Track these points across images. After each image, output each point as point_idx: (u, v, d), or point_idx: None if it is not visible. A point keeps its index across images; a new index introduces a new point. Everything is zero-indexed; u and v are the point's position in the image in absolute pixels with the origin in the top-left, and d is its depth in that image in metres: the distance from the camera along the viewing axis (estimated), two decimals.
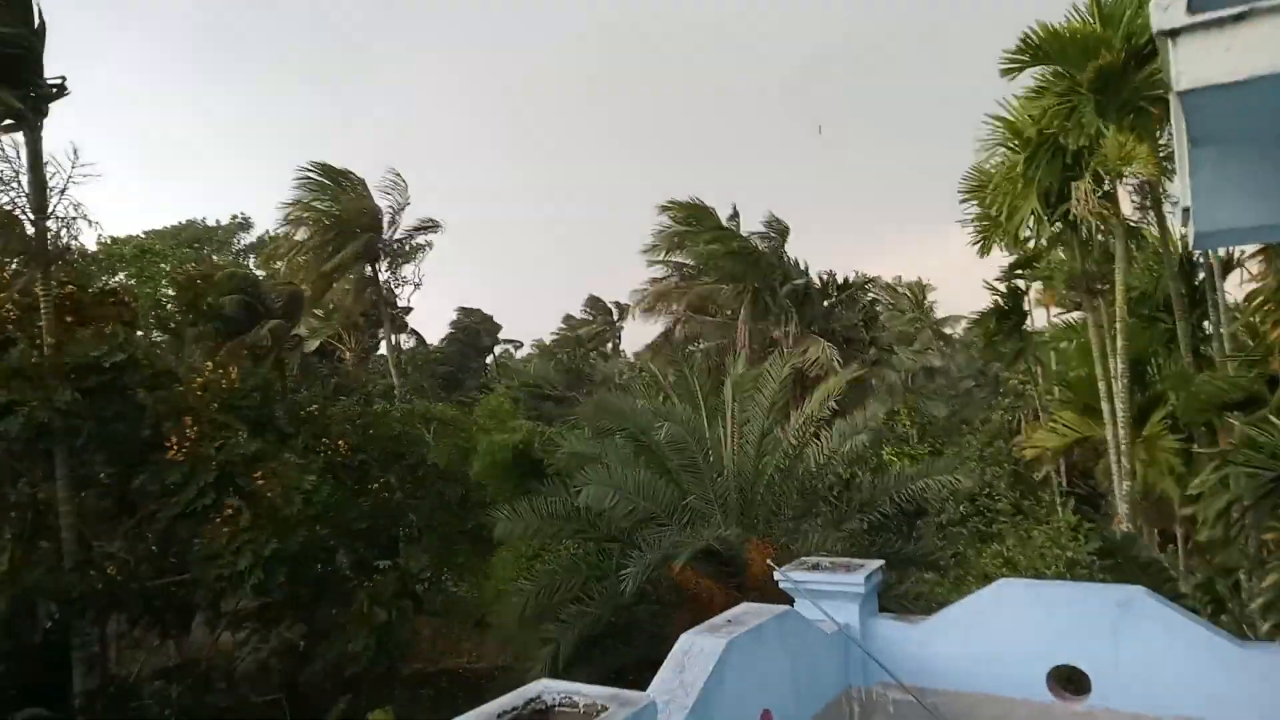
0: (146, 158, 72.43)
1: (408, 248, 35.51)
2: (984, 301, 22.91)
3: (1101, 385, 15.76)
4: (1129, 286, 14.64)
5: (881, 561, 6.88)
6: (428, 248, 34.95)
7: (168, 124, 76.42)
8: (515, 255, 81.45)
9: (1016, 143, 14.03)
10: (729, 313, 32.79)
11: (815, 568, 6.87)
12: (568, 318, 44.67)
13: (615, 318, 46.03)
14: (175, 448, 16.06)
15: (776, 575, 6.87)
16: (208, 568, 15.48)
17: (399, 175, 33.91)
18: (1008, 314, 22.24)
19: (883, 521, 14.03)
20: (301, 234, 33.67)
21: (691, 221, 32.61)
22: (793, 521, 14.71)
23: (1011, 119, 14.23)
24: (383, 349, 36.08)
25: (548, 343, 42.76)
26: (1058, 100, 12.97)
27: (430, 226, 34.97)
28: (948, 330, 41.15)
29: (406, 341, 36.96)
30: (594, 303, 45.86)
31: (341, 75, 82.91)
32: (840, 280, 32.78)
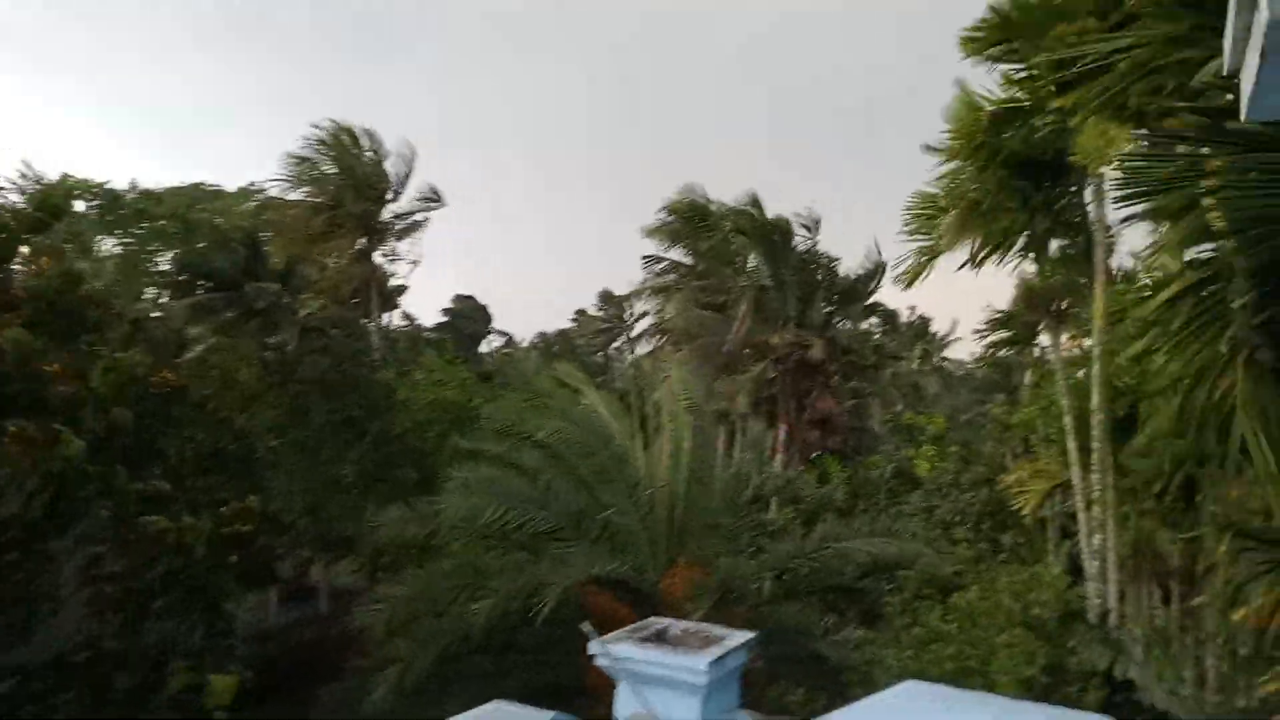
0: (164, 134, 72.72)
1: (408, 222, 34.49)
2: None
3: (1068, 420, 13.95)
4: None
5: (751, 635, 4.95)
6: (427, 223, 33.85)
7: (184, 96, 76.58)
8: (522, 247, 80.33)
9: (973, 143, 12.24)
10: (728, 313, 31.27)
11: (657, 637, 4.84)
12: (580, 313, 43.40)
13: (629, 314, 44.66)
14: None
15: (592, 648, 4.74)
16: None
17: (408, 144, 32.77)
18: (1011, 338, 20.45)
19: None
20: (299, 195, 32.79)
21: (694, 218, 31.32)
22: (729, 546, 13.21)
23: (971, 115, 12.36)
24: (380, 324, 35.31)
25: (552, 337, 41.64)
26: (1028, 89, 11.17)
27: (433, 200, 33.87)
28: (952, 357, 39.21)
29: (398, 321, 36.09)
30: (607, 298, 44.52)
31: (367, 56, 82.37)
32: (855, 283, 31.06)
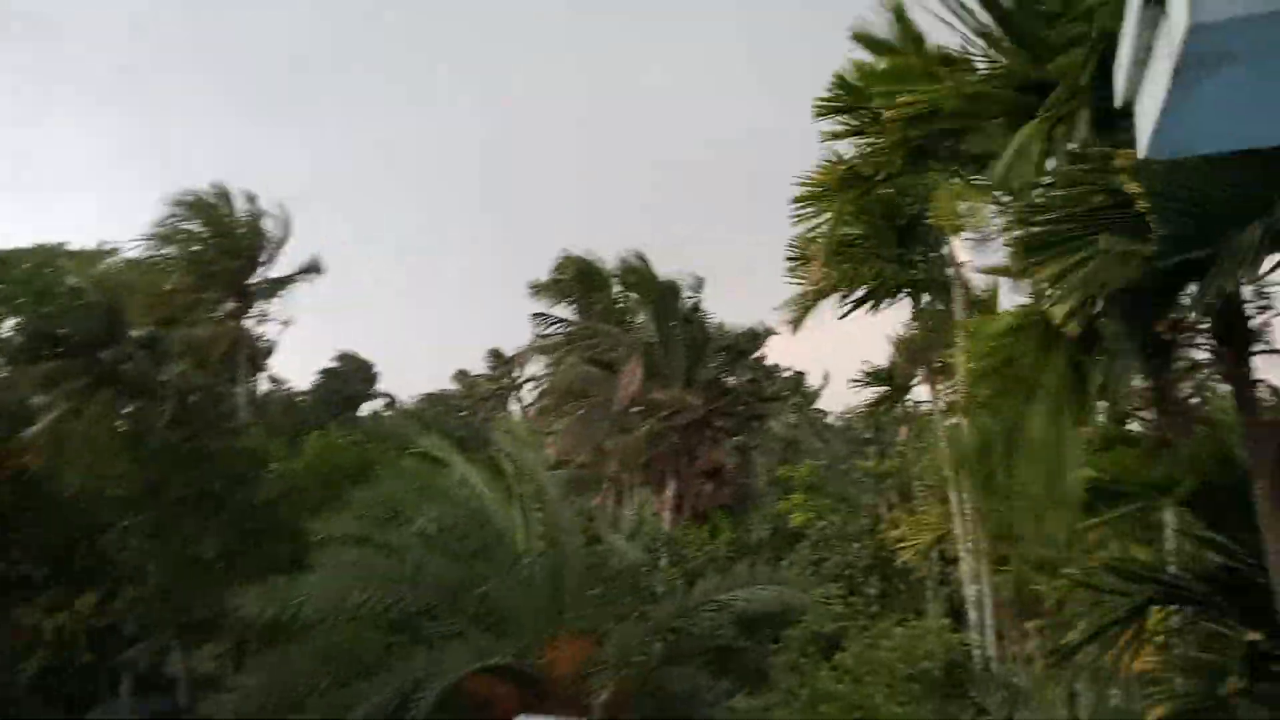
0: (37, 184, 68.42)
1: (281, 284, 33.16)
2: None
3: (948, 471, 14.28)
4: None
5: None
6: (302, 283, 32.62)
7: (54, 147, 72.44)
8: (409, 305, 78.14)
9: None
10: (617, 371, 31.17)
11: None
12: (461, 374, 42.36)
13: (511, 375, 43.96)
14: None
15: None
16: None
17: (282, 205, 31.66)
18: (889, 391, 20.93)
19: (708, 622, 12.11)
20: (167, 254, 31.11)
21: (584, 276, 31.31)
22: (614, 612, 12.74)
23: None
24: (248, 388, 33.47)
25: (423, 400, 40.39)
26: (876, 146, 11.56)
27: (311, 270, 32.74)
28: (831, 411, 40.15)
29: (267, 385, 34.38)
30: (495, 356, 43.73)
31: (246, 111, 79.95)
32: (738, 338, 31.52)
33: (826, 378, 37.43)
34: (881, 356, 20.57)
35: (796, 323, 14.65)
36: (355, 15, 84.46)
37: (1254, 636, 7.76)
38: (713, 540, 24.00)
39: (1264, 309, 6.23)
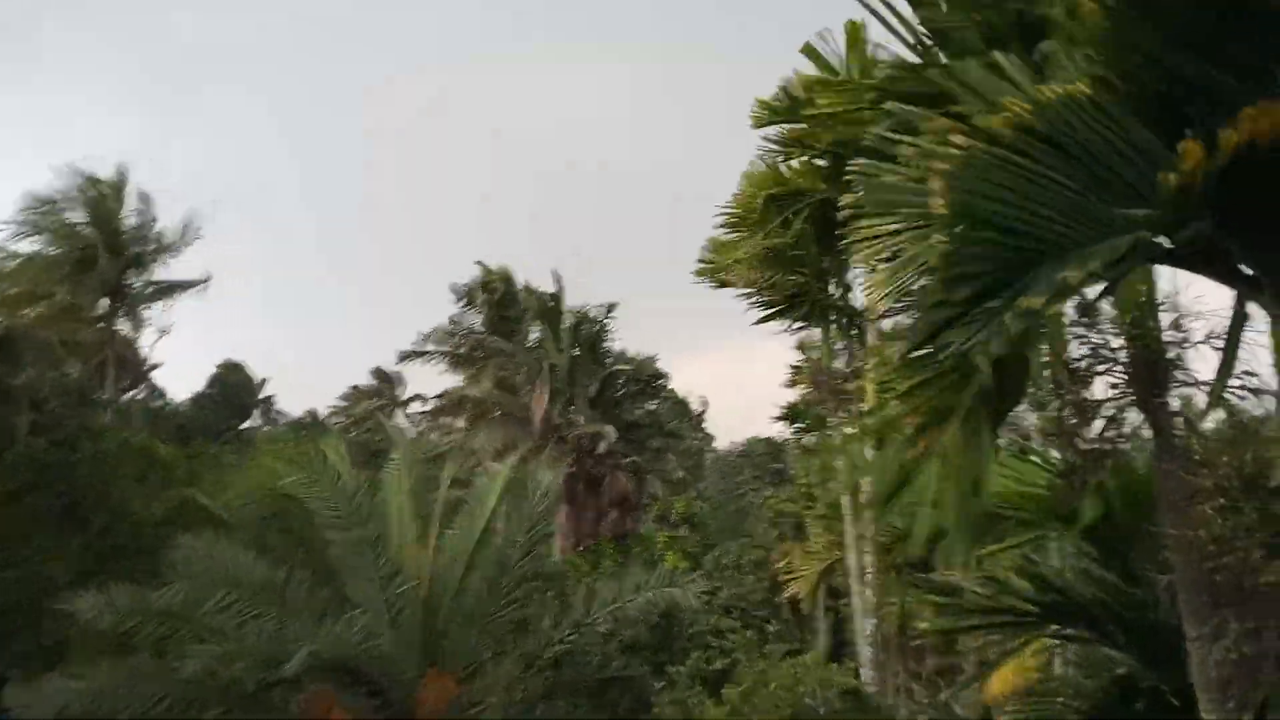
0: None
1: (169, 290, 31.26)
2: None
3: (846, 500, 14.23)
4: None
5: None
6: (190, 289, 30.84)
7: None
8: (307, 316, 75.12)
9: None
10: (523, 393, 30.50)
11: None
12: (354, 389, 40.84)
13: (402, 389, 42.69)
14: None
15: None
16: None
17: (146, 198, 29.75)
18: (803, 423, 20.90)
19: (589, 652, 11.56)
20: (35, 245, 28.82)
21: (494, 297, 30.67)
22: (494, 642, 12.02)
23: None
24: (126, 396, 31.30)
25: (326, 410, 38.79)
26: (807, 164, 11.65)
27: (200, 280, 31.01)
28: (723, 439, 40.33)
29: (144, 394, 32.26)
30: (379, 374, 42.26)
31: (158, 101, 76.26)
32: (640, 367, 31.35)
33: (705, 402, 37.62)
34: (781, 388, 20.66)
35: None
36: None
37: (1130, 664, 7.81)
38: (594, 570, 23.65)
39: (1182, 340, 6.22)
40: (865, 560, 13.62)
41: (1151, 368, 6.41)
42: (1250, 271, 4.55)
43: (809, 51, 10.14)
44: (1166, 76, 4.24)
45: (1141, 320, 6.39)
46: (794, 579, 16.24)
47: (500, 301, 30.89)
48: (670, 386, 33.19)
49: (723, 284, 14.03)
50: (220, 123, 78.91)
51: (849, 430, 16.62)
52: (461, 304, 30.91)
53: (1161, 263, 5.20)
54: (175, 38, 75.88)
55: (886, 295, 4.84)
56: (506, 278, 31.02)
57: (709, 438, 38.80)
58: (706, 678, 13.04)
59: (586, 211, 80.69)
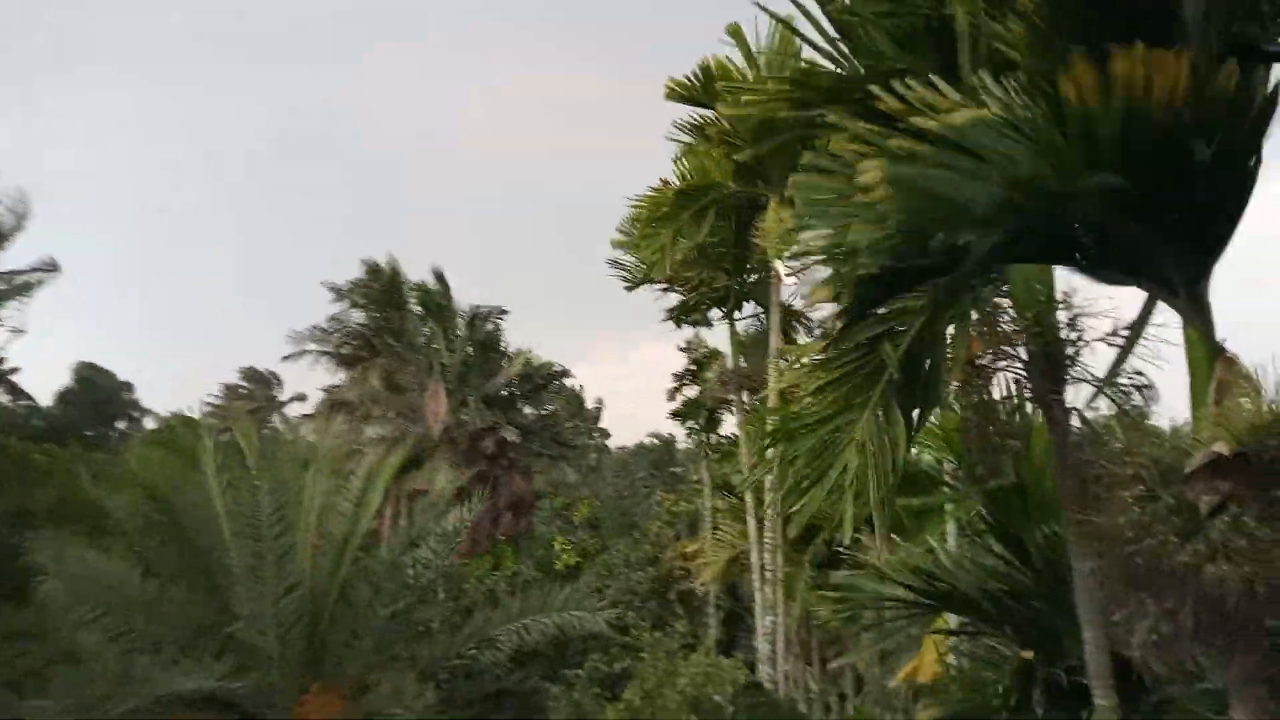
0: None
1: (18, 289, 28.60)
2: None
3: (750, 498, 14.28)
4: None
5: None
6: (39, 287, 28.29)
7: None
8: (177, 314, 71.11)
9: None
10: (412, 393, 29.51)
11: None
12: (228, 389, 38.68)
13: (278, 391, 40.73)
14: None
15: None
16: None
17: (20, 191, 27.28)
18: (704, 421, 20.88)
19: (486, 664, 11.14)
20: None
21: (381, 292, 29.49)
22: (385, 654, 11.43)
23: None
24: None
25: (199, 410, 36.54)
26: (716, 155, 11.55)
27: (48, 268, 28.43)
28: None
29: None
30: (252, 374, 40.12)
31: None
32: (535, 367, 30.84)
33: (601, 402, 37.52)
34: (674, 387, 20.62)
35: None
36: None
37: (1027, 655, 8.00)
38: (494, 572, 23.20)
39: (1078, 337, 6.39)
40: (766, 557, 13.67)
41: (1050, 364, 6.58)
42: (1165, 275, 4.69)
43: (734, 33, 10.01)
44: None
45: (1041, 318, 6.55)
46: (703, 564, 16.19)
47: (384, 299, 29.78)
48: (569, 385, 32.88)
49: (639, 283, 13.85)
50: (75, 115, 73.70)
51: (761, 425, 16.73)
52: (341, 302, 29.62)
53: (1078, 268, 5.33)
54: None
55: (808, 288, 4.78)
56: (392, 274, 29.95)
57: (605, 434, 38.66)
58: (605, 679, 12.79)
59: (467, 206, 79.35)
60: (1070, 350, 6.54)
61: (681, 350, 18.55)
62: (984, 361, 6.50)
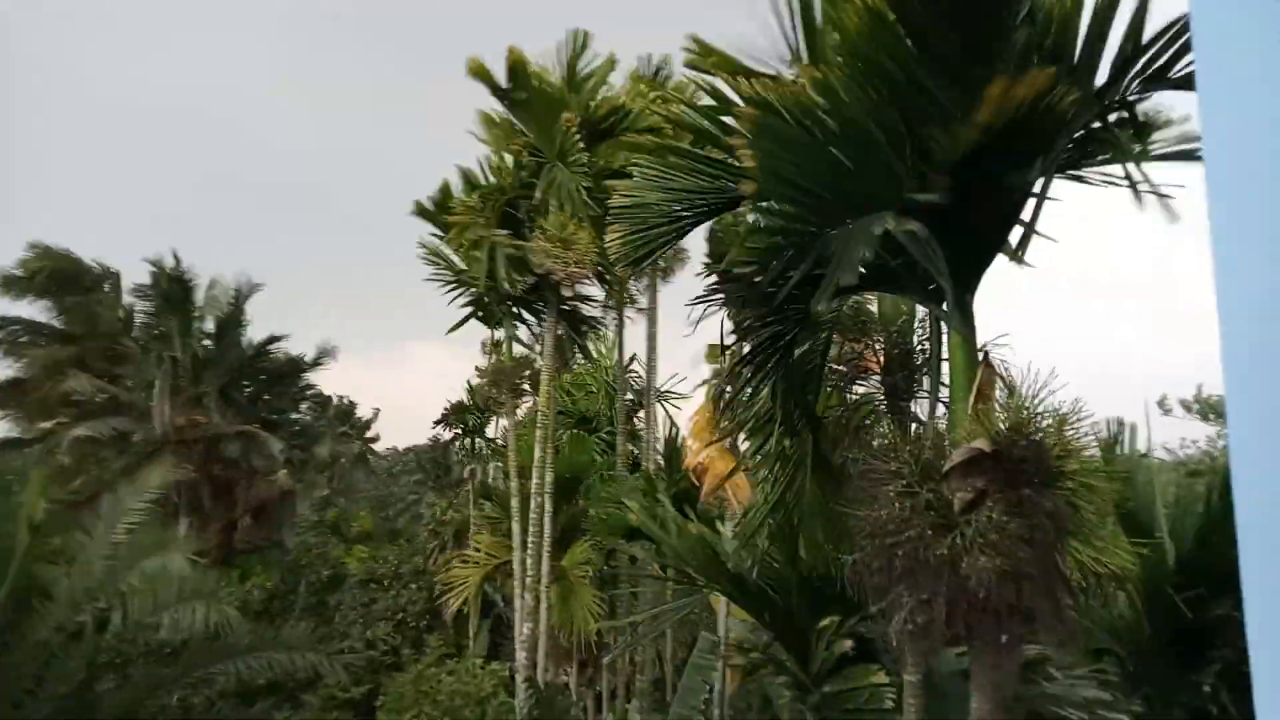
0: None
1: None
2: None
3: (515, 503, 13.87)
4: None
5: None
6: None
7: None
8: None
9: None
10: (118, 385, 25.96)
11: None
12: None
13: None
14: None
15: None
16: None
17: None
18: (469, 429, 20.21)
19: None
20: None
21: (62, 275, 25.67)
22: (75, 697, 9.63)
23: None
24: None
25: None
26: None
27: None
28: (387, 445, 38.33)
29: None
30: None
31: None
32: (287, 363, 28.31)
33: (376, 413, 35.62)
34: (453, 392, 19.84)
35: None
36: None
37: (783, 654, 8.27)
38: (242, 584, 21.04)
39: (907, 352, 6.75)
40: (528, 563, 13.28)
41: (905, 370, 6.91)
42: (938, 283, 4.90)
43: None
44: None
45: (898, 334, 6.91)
46: (454, 589, 15.35)
47: (65, 285, 25.92)
48: (318, 387, 30.47)
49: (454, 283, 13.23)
50: None
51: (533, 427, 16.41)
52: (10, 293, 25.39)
53: (870, 286, 5.56)
54: None
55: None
56: (76, 258, 26.12)
57: (365, 430, 36.42)
58: (351, 701, 11.77)
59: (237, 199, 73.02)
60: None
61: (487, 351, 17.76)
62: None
